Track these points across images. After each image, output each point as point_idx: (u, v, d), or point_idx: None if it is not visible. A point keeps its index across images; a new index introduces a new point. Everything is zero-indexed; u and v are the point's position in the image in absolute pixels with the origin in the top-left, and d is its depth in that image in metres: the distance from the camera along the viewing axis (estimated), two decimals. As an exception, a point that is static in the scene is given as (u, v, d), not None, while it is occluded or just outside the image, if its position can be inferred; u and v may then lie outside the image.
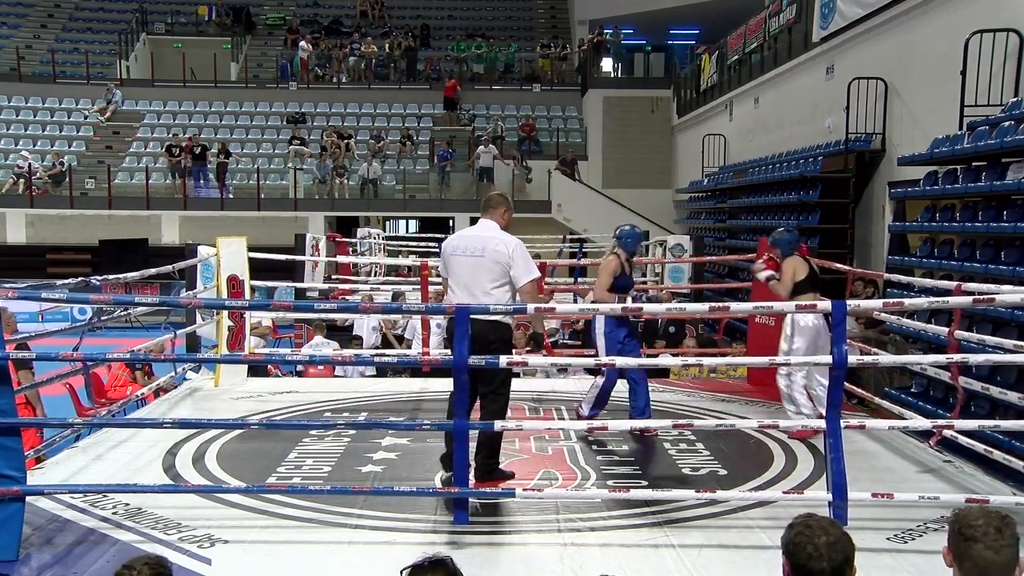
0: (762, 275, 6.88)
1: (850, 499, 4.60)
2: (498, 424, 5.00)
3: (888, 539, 4.54)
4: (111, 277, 6.63)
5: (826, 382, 5.55)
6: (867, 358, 4.96)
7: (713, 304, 5.02)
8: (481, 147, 23.49)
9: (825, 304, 4.77)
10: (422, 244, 18.14)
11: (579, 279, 13.71)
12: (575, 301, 12.07)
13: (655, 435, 6.40)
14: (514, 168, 23.44)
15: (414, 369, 9.60)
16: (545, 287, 10.27)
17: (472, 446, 4.99)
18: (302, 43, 27.01)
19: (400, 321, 11.46)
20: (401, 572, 2.38)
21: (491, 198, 5.58)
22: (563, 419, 7.07)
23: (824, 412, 5.22)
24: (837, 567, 2.43)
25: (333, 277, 14.00)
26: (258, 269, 8.90)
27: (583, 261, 15.89)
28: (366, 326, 11.52)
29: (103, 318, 7.99)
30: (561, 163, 23.70)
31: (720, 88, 20.11)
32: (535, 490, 5.08)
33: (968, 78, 9.17)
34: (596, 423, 5.76)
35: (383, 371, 10.01)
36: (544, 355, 8.86)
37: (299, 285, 11.50)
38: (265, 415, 7.19)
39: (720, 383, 8.76)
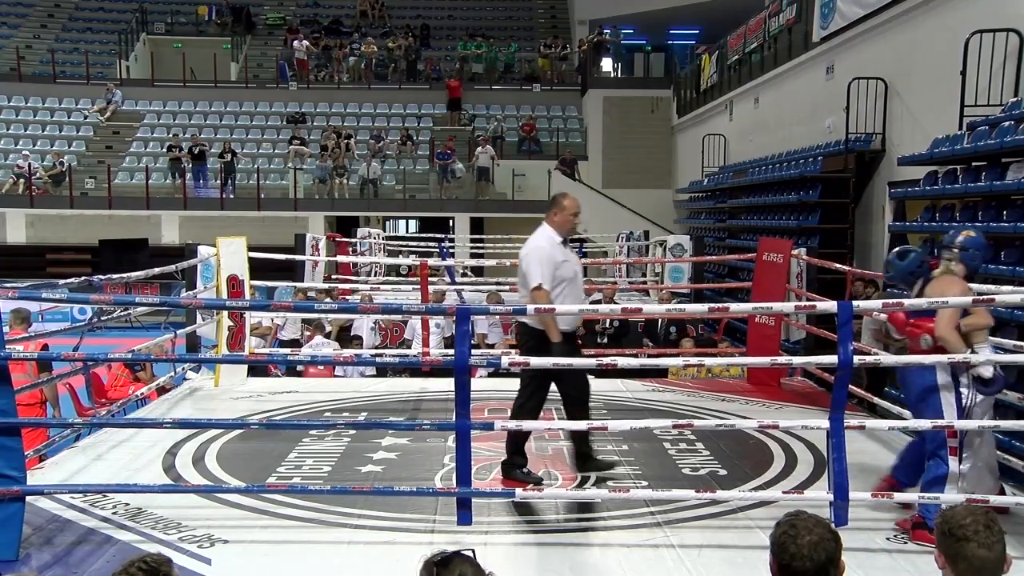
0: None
1: (850, 499, 4.60)
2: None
3: (888, 539, 4.54)
4: (113, 276, 6.64)
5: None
6: (869, 358, 4.95)
7: (713, 304, 5.03)
8: (479, 148, 23.52)
9: (830, 304, 4.76)
10: (422, 244, 18.14)
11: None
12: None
13: None
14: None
15: (414, 369, 9.60)
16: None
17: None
18: (296, 42, 26.98)
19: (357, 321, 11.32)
20: (422, 560, 2.36)
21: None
22: (563, 419, 7.05)
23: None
24: (820, 566, 2.44)
25: (333, 277, 14.01)
26: (258, 269, 8.90)
27: (583, 260, 15.91)
28: (365, 326, 11.52)
29: (103, 318, 8.00)
30: (561, 163, 23.70)
31: (720, 88, 20.10)
32: (535, 490, 5.08)
33: (968, 78, 9.16)
34: (596, 423, 5.75)
35: (383, 371, 10.02)
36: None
37: (299, 285, 11.51)
38: (265, 415, 7.19)
39: (720, 383, 8.76)
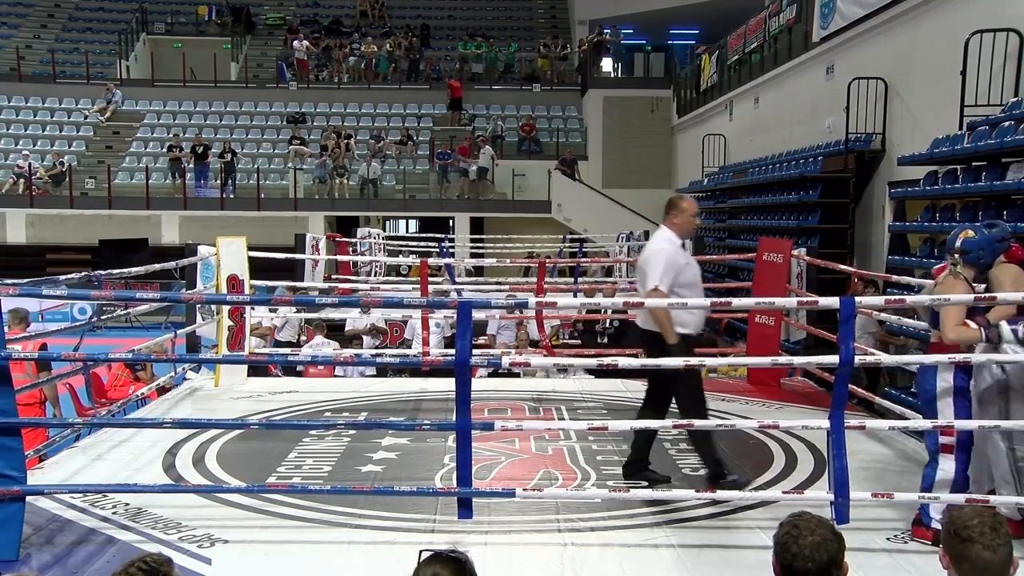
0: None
1: (851, 498, 4.59)
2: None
3: (888, 539, 4.54)
4: (114, 272, 6.63)
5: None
6: (869, 358, 4.95)
7: (714, 301, 5.02)
8: (480, 148, 23.52)
9: (832, 300, 4.75)
10: (422, 244, 18.13)
11: (579, 279, 13.72)
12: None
13: None
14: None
15: (414, 369, 9.60)
16: (545, 286, 10.29)
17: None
18: (296, 42, 26.98)
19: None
20: (420, 553, 2.41)
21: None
22: (563, 419, 7.07)
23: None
24: (822, 567, 2.43)
25: (333, 277, 14.00)
26: (258, 269, 8.90)
27: (582, 261, 15.92)
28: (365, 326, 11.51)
29: (103, 317, 7.99)
30: (561, 163, 23.71)
31: (720, 88, 20.11)
32: (535, 490, 5.08)
33: (968, 78, 9.16)
34: (596, 423, 5.74)
35: (383, 371, 10.01)
36: (544, 355, 8.86)
37: (299, 284, 11.49)
38: (265, 415, 7.19)
39: (720, 383, 8.75)
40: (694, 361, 5.25)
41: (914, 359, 4.70)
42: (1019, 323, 4.49)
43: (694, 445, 5.43)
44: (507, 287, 12.55)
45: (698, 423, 5.09)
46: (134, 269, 7.17)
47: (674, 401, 5.45)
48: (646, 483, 5.33)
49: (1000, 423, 4.54)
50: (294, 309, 10.20)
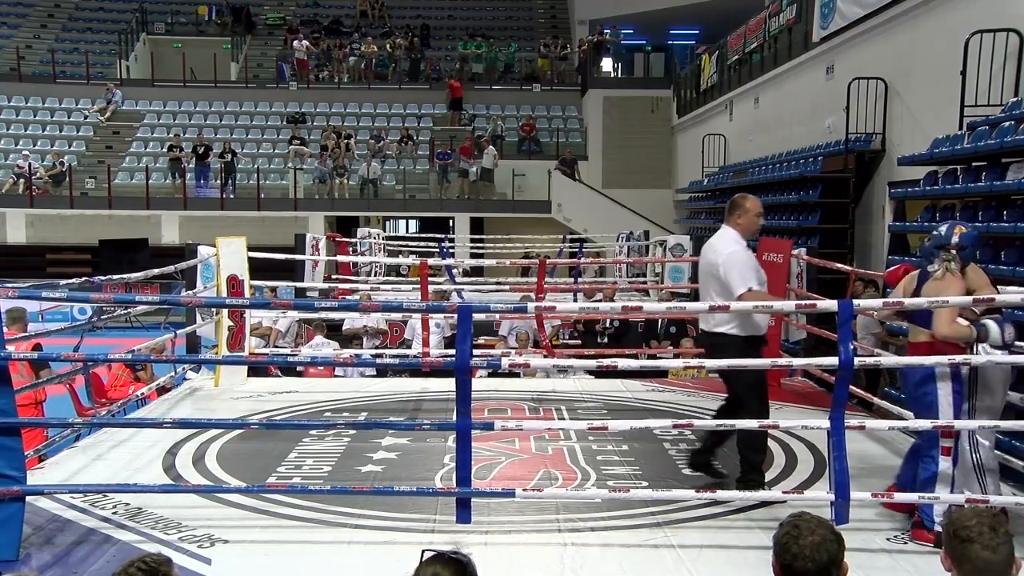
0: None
1: (851, 499, 4.59)
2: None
3: (888, 539, 4.54)
4: (114, 277, 6.63)
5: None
6: (869, 359, 4.95)
7: (712, 304, 5.01)
8: (484, 148, 23.53)
9: (831, 303, 4.75)
10: (422, 244, 18.14)
11: (578, 279, 13.73)
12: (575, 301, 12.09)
13: None
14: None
15: (414, 369, 9.60)
16: (546, 286, 10.28)
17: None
18: (296, 42, 26.99)
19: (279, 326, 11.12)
20: (422, 552, 2.42)
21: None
22: (563, 419, 7.07)
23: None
24: (822, 567, 2.43)
25: (333, 277, 14.01)
26: (258, 269, 8.90)
27: (582, 261, 15.93)
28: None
29: (103, 318, 8.00)
30: (561, 163, 23.71)
31: (720, 88, 20.11)
32: (535, 490, 5.08)
33: (968, 78, 9.16)
34: (596, 423, 5.73)
35: (383, 371, 10.02)
36: (545, 355, 8.86)
37: (299, 285, 11.50)
38: (265, 415, 7.19)
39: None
40: (694, 363, 5.25)
41: (913, 360, 4.69)
42: (1006, 324, 4.50)
43: (741, 446, 5.29)
44: (508, 287, 12.56)
45: (740, 424, 5.01)
46: (133, 275, 7.17)
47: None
48: (711, 477, 5.37)
49: (1000, 423, 4.55)
50: (292, 314, 10.19)
